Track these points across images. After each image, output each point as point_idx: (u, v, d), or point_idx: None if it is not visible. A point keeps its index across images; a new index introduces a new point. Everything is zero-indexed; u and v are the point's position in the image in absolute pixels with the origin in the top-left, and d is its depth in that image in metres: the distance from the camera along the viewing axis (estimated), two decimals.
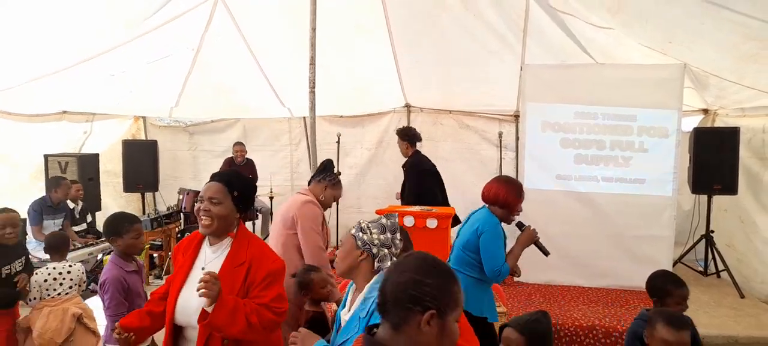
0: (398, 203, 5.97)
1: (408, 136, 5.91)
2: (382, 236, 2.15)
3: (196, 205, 2.31)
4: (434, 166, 5.95)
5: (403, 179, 5.96)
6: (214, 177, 2.35)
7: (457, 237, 3.45)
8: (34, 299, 3.66)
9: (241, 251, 2.27)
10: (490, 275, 3.18)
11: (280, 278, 2.31)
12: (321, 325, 2.88)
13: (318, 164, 3.82)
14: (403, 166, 5.93)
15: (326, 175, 3.66)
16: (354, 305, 2.13)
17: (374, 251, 2.13)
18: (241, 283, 2.22)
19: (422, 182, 5.72)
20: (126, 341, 2.23)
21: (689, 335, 2.32)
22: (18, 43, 4.82)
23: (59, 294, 3.74)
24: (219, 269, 2.23)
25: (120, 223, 3.08)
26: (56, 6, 4.53)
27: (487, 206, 3.38)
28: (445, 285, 1.42)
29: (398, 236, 2.20)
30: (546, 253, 3.41)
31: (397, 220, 2.23)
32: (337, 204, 6.59)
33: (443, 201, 5.73)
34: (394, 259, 2.14)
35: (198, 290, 2.04)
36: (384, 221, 2.19)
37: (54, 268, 3.77)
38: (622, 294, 5.43)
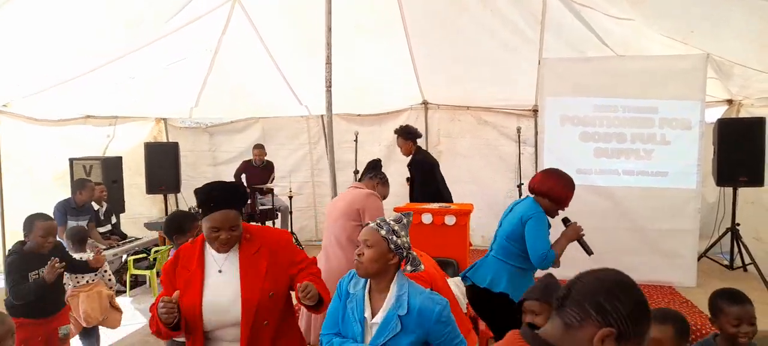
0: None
1: (411, 135, 5.89)
2: (408, 239, 2.21)
3: (207, 231, 2.27)
4: (436, 160, 5.95)
5: (411, 178, 5.93)
6: (221, 202, 2.26)
7: (499, 227, 3.45)
8: (68, 285, 4.06)
9: (252, 240, 2.37)
10: (536, 260, 3.15)
11: (291, 241, 2.51)
12: None
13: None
14: (409, 165, 5.91)
15: (377, 173, 3.79)
16: (386, 303, 2.16)
17: (405, 254, 2.18)
18: (266, 266, 2.32)
19: (433, 178, 5.71)
20: (170, 310, 2.19)
21: None
22: (41, 51, 4.93)
23: (88, 282, 4.27)
24: (238, 264, 2.31)
25: (184, 220, 3.25)
26: (76, 13, 4.62)
27: (532, 196, 3.36)
28: (640, 317, 1.29)
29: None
30: (589, 252, 3.36)
31: (411, 218, 2.28)
32: None
33: (448, 195, 5.72)
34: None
35: (304, 300, 2.22)
36: (405, 221, 2.22)
37: (80, 258, 4.09)
38: (646, 289, 5.34)
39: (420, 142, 5.97)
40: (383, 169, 4.03)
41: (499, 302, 3.18)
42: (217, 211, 2.23)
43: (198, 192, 2.28)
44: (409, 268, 2.18)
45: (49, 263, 3.30)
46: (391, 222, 2.21)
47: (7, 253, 3.54)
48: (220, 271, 2.33)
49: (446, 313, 2.11)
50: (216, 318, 2.30)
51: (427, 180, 5.67)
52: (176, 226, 3.21)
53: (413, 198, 5.79)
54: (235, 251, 2.35)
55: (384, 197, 3.87)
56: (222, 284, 2.31)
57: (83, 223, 5.81)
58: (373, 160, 3.98)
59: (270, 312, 2.30)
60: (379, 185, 3.80)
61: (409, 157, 5.93)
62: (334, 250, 3.65)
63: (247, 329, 2.25)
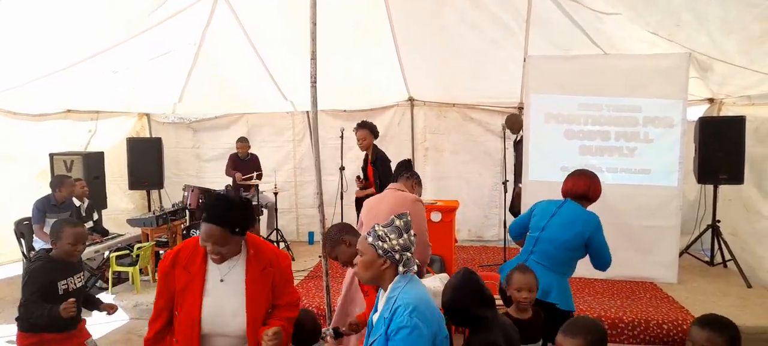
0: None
1: (377, 132, 5.96)
2: (400, 240, 2.14)
3: (201, 242, 2.26)
4: None
5: (372, 174, 5.89)
6: (211, 215, 2.21)
7: (542, 231, 3.33)
8: None
9: (260, 257, 2.39)
10: (604, 268, 3.31)
11: (291, 271, 2.54)
12: None
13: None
14: (374, 162, 5.84)
15: (411, 172, 3.68)
16: (380, 306, 2.19)
17: (397, 257, 2.14)
18: (270, 285, 2.40)
19: (390, 172, 5.69)
20: None
21: None
22: (21, 43, 4.83)
23: None
24: (244, 276, 2.34)
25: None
26: (58, 5, 4.54)
27: (571, 200, 3.38)
28: None
29: (412, 231, 2.20)
30: None
31: (408, 217, 2.23)
32: (342, 199, 6.59)
33: None
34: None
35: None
36: (398, 222, 2.18)
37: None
38: (628, 285, 5.41)
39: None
40: None
41: (547, 312, 3.16)
42: (206, 223, 2.22)
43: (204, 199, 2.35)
44: (401, 269, 2.15)
45: (65, 303, 2.91)
46: (379, 228, 2.18)
47: (31, 259, 3.34)
48: (222, 280, 2.32)
49: (398, 334, 2.01)
50: (214, 328, 2.30)
51: (387, 173, 5.67)
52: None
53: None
54: (241, 264, 2.35)
55: (419, 196, 3.75)
56: (223, 295, 2.31)
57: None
58: (404, 160, 3.90)
59: None
60: (416, 186, 3.66)
61: (366, 153, 5.98)
62: None
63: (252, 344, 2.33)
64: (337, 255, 2.95)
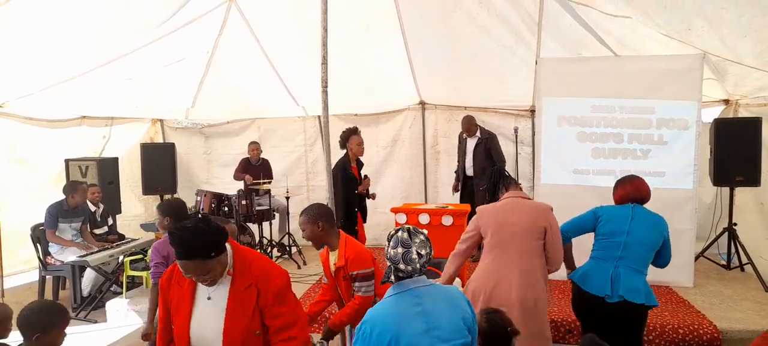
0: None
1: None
2: (392, 251, 2.17)
3: (185, 275, 2.22)
4: None
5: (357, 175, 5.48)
6: (181, 251, 2.11)
7: (628, 235, 3.31)
8: None
9: (245, 274, 2.26)
10: (667, 264, 3.46)
11: (288, 289, 2.33)
12: None
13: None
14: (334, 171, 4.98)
15: (513, 179, 3.59)
16: None
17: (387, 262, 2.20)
18: (254, 304, 2.24)
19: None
20: None
21: None
22: (37, 50, 4.91)
23: None
24: (226, 296, 2.24)
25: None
26: (74, 14, 4.61)
27: (640, 205, 3.46)
28: None
29: (413, 250, 2.16)
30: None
31: (413, 236, 2.20)
32: None
33: None
34: (406, 271, 2.16)
35: None
36: (400, 234, 2.19)
37: None
38: None
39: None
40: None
41: (635, 311, 3.20)
42: (180, 260, 2.13)
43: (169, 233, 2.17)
44: (392, 278, 2.22)
45: None
46: (401, 233, 2.21)
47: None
48: (209, 298, 2.27)
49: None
50: (200, 344, 2.27)
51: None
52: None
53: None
54: (227, 282, 2.26)
55: None
56: (209, 314, 2.26)
57: (77, 225, 5.78)
58: (501, 167, 3.74)
59: None
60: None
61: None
62: (524, 265, 3.15)
63: None
64: (311, 236, 3.16)
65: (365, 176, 5.56)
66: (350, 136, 5.39)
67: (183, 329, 2.25)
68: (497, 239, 3.20)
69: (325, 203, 3.58)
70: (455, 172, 6.83)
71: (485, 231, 3.25)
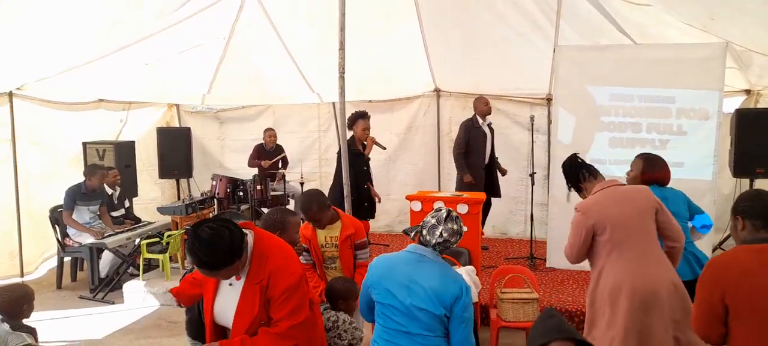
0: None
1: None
2: (428, 217, 2.51)
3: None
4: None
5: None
6: (207, 266, 2.17)
7: (690, 220, 3.62)
8: None
9: (260, 270, 2.29)
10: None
11: (297, 290, 2.32)
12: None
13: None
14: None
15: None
16: None
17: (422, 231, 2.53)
18: (260, 298, 2.29)
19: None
20: None
21: None
22: (55, 34, 4.95)
23: None
24: (241, 288, 2.33)
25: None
26: None
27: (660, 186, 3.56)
28: None
29: (439, 229, 2.44)
30: None
31: (448, 222, 2.46)
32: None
33: None
34: (424, 239, 2.48)
35: None
36: (442, 212, 2.47)
37: None
38: None
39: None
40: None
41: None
42: (207, 273, 2.24)
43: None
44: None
45: None
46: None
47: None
48: (231, 284, 2.38)
49: None
50: (222, 323, 2.44)
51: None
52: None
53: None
54: (245, 273, 2.33)
55: None
56: (229, 298, 2.38)
57: (94, 208, 5.86)
58: (575, 155, 3.40)
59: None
60: None
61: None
62: (653, 252, 2.99)
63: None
64: (321, 217, 3.45)
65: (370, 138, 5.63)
66: (358, 119, 5.53)
67: (209, 306, 2.46)
68: (620, 234, 2.95)
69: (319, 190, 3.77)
70: (468, 164, 6.26)
71: (600, 229, 2.99)
